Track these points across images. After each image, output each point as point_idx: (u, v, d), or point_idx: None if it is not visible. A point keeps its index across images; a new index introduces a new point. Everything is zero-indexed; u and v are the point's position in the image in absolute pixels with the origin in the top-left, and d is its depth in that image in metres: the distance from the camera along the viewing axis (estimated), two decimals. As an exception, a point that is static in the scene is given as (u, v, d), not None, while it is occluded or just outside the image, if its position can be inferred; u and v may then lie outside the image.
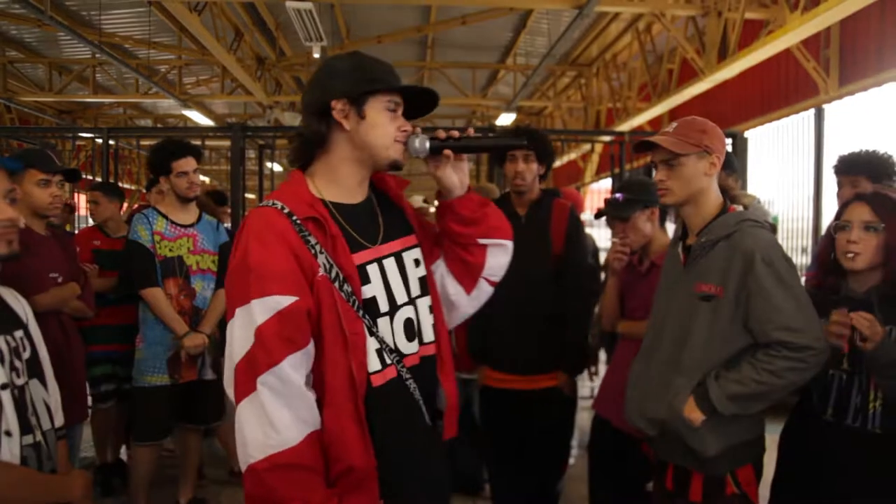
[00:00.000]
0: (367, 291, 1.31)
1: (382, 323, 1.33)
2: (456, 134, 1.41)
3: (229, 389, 1.25)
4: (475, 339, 2.84)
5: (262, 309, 1.20)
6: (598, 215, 2.75)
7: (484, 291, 1.55)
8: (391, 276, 1.37)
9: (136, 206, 6.91)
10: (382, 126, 1.33)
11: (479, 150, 1.70)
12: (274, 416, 1.18)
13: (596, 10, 5.93)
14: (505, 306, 2.70)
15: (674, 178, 1.78)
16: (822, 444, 1.82)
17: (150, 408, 2.94)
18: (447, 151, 1.40)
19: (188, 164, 2.99)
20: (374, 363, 1.29)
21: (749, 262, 1.66)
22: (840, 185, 2.73)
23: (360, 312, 1.28)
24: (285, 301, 1.21)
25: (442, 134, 1.40)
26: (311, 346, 1.25)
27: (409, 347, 1.37)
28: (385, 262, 1.37)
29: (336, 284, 1.26)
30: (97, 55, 8.69)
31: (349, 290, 1.27)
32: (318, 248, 1.26)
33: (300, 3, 5.21)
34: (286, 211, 1.27)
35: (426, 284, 1.45)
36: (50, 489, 1.41)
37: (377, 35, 8.38)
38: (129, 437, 3.73)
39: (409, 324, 1.38)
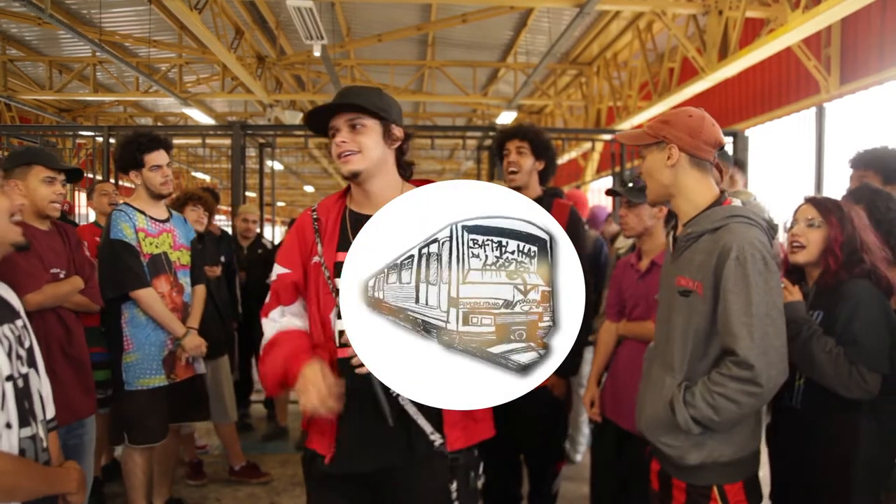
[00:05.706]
0: (338, 283, 1.56)
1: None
2: None
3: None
4: None
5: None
6: (610, 192, 2.76)
7: None
8: None
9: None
10: None
11: None
12: None
13: (597, 8, 5.93)
14: None
15: (644, 170, 1.79)
16: (777, 428, 2.00)
17: (149, 411, 2.79)
18: None
19: (160, 157, 2.83)
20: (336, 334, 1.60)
21: (724, 258, 1.57)
22: (851, 178, 2.63)
23: (334, 294, 1.61)
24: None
25: None
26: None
27: None
28: None
29: (323, 269, 1.64)
30: (97, 53, 8.71)
31: (327, 275, 1.64)
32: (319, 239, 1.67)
33: (301, 1, 5.19)
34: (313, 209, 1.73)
35: None
36: (48, 480, 1.42)
37: (378, 33, 8.39)
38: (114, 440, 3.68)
39: None
